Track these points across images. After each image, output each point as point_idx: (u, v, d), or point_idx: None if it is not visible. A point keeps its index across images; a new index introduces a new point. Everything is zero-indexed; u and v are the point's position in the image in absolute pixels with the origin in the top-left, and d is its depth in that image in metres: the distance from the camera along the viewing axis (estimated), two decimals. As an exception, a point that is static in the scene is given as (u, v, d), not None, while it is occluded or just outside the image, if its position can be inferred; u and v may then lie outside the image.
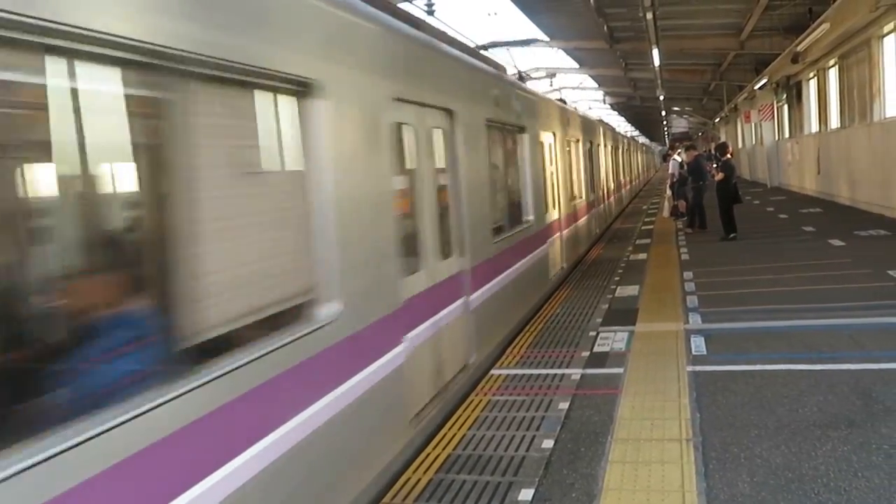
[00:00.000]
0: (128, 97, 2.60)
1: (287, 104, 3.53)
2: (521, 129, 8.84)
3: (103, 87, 2.54)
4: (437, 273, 5.42)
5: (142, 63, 2.54)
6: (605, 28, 21.33)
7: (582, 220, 13.51)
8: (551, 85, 30.71)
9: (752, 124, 33.83)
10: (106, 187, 2.71)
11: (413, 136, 5.19)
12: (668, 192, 20.03)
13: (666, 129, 65.77)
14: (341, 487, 3.65)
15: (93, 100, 2.48)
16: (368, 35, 4.46)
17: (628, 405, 5.27)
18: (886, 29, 15.25)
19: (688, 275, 10.45)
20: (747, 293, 8.91)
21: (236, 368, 2.84)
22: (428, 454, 4.61)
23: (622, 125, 57.67)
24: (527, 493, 4.01)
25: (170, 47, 2.59)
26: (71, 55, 2.31)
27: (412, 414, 4.67)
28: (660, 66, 22.62)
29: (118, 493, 2.28)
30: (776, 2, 18.03)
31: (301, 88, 3.53)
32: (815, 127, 23.00)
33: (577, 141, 13.80)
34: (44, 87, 2.29)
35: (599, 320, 8.01)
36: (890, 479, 3.88)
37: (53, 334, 2.44)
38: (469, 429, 5.01)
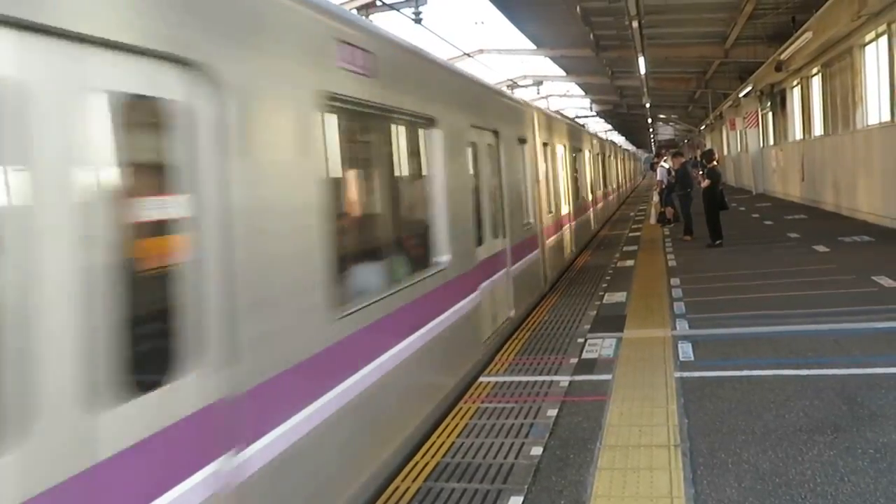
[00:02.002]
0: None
1: (422, 133, 5.70)
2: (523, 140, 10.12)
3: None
4: (493, 247, 7.42)
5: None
6: (592, 36, 21.46)
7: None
8: (538, 93, 30.85)
9: (738, 132, 34.14)
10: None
11: (476, 151, 7.14)
12: (656, 198, 20.14)
13: (652, 136, 66.21)
14: (457, 363, 5.95)
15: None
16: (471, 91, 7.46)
17: (616, 411, 5.28)
18: (868, 38, 15.45)
19: (675, 281, 10.51)
20: (734, 299, 8.96)
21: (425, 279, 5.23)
22: (416, 462, 4.60)
23: (602, 130, 57.82)
24: (516, 501, 4.00)
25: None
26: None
27: (484, 338, 6.77)
28: (646, 74, 22.76)
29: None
30: (760, 11, 18.22)
31: (428, 122, 5.66)
32: (799, 134, 23.24)
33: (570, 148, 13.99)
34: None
35: (587, 327, 8.03)
36: (875, 483, 3.91)
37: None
38: (458, 437, 5.00)
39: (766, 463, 4.27)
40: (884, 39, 14.48)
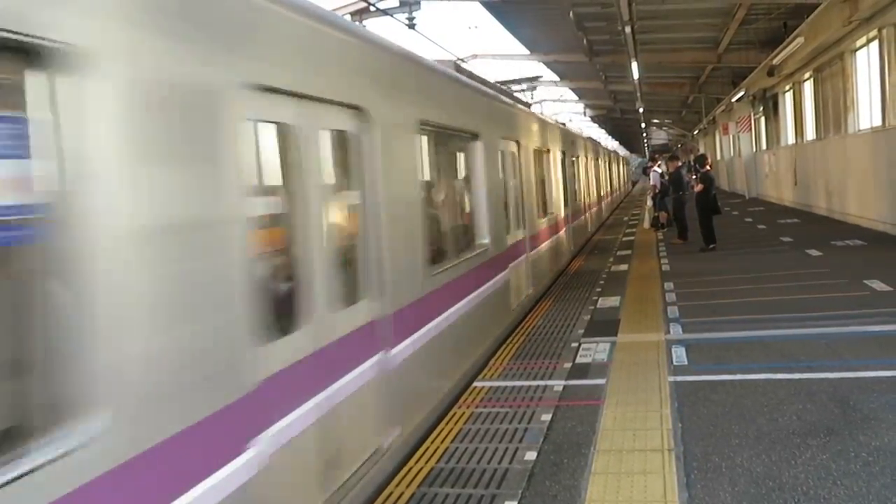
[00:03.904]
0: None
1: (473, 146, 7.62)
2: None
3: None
4: (516, 236, 9.12)
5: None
6: (585, 41, 21.53)
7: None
8: (532, 97, 30.92)
9: (731, 136, 34.25)
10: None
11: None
12: (650, 202, 20.20)
13: (646, 140, 66.42)
14: (499, 322, 7.79)
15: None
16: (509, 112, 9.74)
17: (611, 416, 5.28)
18: (859, 43, 15.55)
19: (668, 285, 10.53)
20: (727, 303, 8.99)
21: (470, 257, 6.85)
22: (411, 468, 4.59)
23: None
24: (510, 506, 4.00)
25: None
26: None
27: (514, 305, 8.59)
28: (639, 79, 22.85)
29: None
30: (752, 16, 18.32)
31: (472, 136, 7.48)
32: (791, 138, 23.34)
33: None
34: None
35: (581, 331, 8.04)
36: (868, 487, 3.93)
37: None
38: (452, 441, 5.00)
39: (760, 467, 4.28)
40: (875, 44, 14.56)
